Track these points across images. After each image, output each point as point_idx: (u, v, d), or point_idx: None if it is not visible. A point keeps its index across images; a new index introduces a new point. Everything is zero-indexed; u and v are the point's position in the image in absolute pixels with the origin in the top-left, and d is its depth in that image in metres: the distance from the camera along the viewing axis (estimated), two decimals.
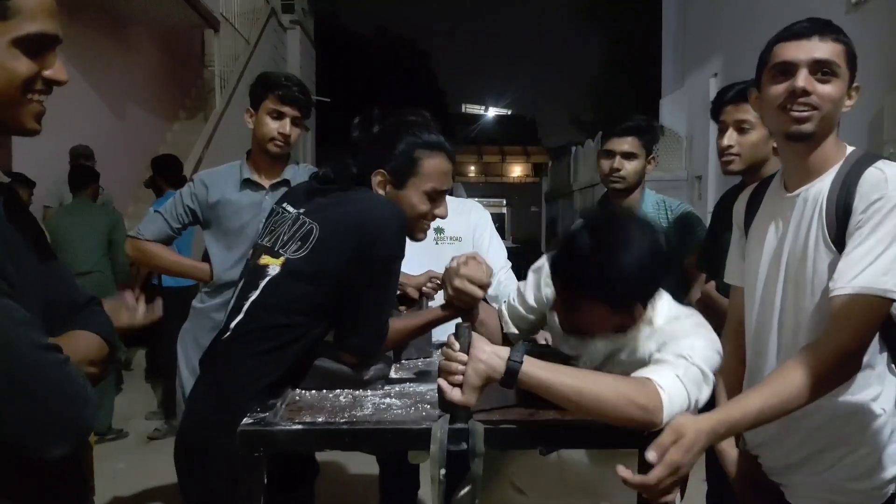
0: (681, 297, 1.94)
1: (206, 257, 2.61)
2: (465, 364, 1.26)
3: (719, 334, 1.54)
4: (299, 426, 1.32)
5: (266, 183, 2.47)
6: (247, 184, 2.47)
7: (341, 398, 1.50)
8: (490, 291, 2.37)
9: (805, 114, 1.42)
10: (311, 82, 14.40)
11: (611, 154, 2.53)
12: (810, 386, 1.33)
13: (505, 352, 1.28)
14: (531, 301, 1.76)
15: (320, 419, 1.35)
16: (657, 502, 1.25)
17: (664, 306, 1.53)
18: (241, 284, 1.66)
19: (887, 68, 4.65)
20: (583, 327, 1.51)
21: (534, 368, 1.27)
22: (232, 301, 1.66)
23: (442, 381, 1.28)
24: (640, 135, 2.53)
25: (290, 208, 1.67)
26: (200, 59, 10.13)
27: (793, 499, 1.53)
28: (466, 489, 1.28)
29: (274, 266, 1.57)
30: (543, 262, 1.74)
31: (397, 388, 1.58)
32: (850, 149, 1.49)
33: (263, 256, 1.61)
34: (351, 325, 1.59)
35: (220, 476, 1.53)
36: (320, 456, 1.80)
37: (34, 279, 1.09)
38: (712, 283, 2.23)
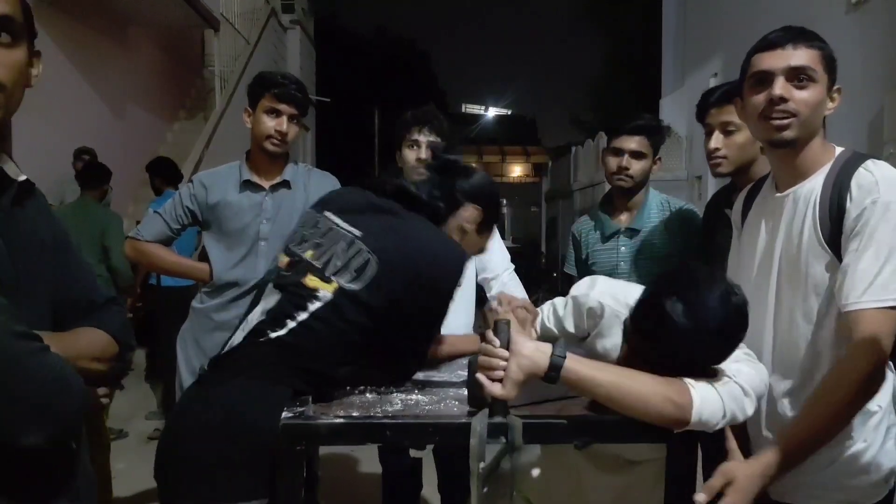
0: None
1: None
2: (505, 359, 1.28)
3: None
4: (341, 420, 1.33)
5: (266, 184, 2.46)
6: (247, 185, 2.46)
7: (367, 395, 1.50)
8: (492, 293, 2.38)
9: (785, 121, 1.44)
10: (311, 82, 14.42)
11: (619, 152, 2.50)
12: (849, 407, 1.36)
13: (547, 347, 1.31)
14: (570, 329, 1.72)
15: (355, 413, 1.37)
16: None
17: None
18: (281, 295, 1.53)
19: (887, 68, 4.65)
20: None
21: (576, 364, 1.30)
22: (266, 307, 1.54)
23: (481, 376, 1.30)
24: (650, 134, 2.51)
25: (340, 223, 1.57)
26: (200, 59, 10.16)
27: (792, 498, 1.54)
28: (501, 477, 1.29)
29: (325, 291, 1.48)
30: (587, 291, 1.66)
31: (420, 385, 1.58)
32: (839, 149, 1.51)
33: (311, 277, 1.51)
34: (397, 356, 1.57)
35: (208, 482, 1.43)
36: (323, 454, 1.80)
37: (42, 277, 1.08)
38: None
